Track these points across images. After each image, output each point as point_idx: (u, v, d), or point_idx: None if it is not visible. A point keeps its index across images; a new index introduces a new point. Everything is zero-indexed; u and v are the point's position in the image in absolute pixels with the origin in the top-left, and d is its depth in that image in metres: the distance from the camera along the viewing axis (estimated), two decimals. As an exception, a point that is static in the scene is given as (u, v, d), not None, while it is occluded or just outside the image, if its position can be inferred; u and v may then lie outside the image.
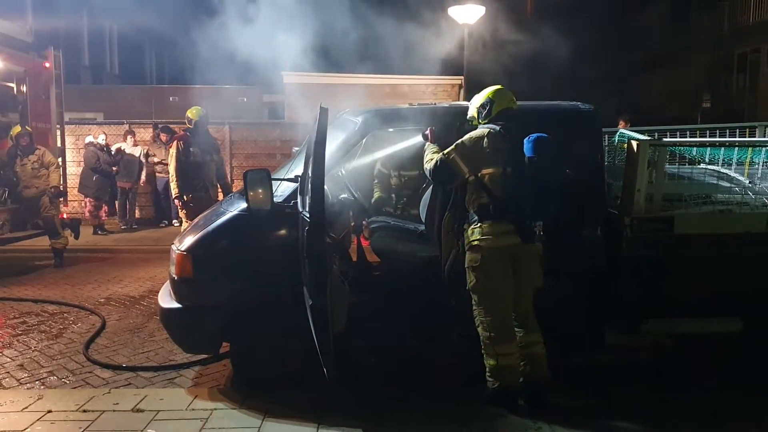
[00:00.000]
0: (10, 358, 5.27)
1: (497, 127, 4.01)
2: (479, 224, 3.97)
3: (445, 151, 4.01)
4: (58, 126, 10.11)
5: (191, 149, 7.73)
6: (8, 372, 4.95)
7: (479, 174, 3.97)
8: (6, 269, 8.78)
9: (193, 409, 4.09)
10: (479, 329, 4.00)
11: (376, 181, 5.98)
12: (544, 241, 4.03)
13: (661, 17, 23.51)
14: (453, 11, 13.37)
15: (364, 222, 5.29)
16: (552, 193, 3.92)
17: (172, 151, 7.77)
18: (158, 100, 19.02)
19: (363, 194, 5.60)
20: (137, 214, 13.17)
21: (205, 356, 5.00)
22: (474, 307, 4.03)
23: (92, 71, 23.71)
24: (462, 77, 14.53)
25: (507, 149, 3.95)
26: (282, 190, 4.47)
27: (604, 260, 4.38)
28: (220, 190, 8.11)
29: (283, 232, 4.38)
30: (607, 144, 5.49)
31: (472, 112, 4.21)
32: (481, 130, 4.04)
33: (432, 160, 4.03)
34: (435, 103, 5.15)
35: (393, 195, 5.98)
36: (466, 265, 4.03)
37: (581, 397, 4.23)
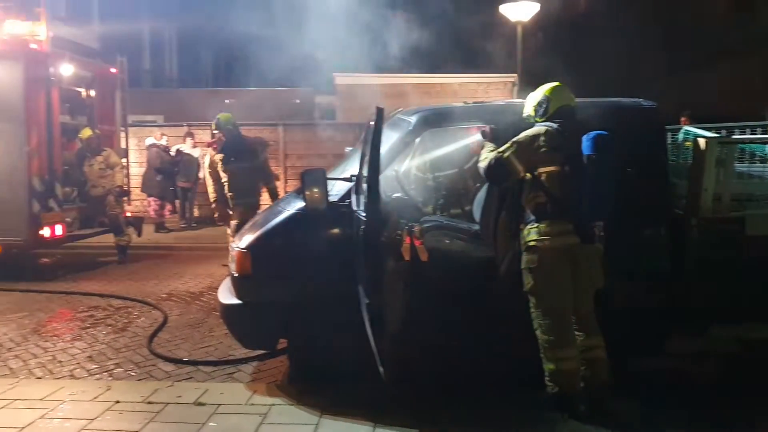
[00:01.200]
0: (80, 349, 5.52)
1: (555, 125, 3.94)
2: (536, 224, 3.89)
3: (500, 150, 3.95)
4: (122, 128, 10.50)
5: (226, 157, 7.66)
6: (79, 363, 5.19)
7: (536, 173, 3.90)
8: (74, 265, 9.18)
9: (252, 404, 4.19)
10: (537, 332, 3.92)
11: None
12: (604, 242, 3.93)
13: (724, 7, 22.71)
14: (505, 8, 13.27)
15: (416, 221, 5.31)
16: (612, 192, 3.82)
17: (207, 159, 7.94)
18: (215, 103, 19.46)
19: (416, 193, 5.62)
20: (196, 212, 13.54)
21: (262, 352, 5.12)
22: (532, 310, 3.95)
23: (153, 75, 24.44)
24: (515, 75, 14.40)
25: (565, 147, 3.87)
26: (337, 189, 4.55)
27: (669, 262, 4.28)
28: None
29: (338, 230, 4.46)
30: (670, 141, 5.36)
31: (528, 110, 4.15)
32: (538, 128, 3.97)
33: (487, 159, 3.99)
34: (490, 101, 5.14)
35: (436, 195, 5.96)
36: (522, 267, 3.96)
37: (643, 404, 4.12)
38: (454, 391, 4.33)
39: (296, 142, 14.10)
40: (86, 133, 9.38)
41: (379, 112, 3.71)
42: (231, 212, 7.65)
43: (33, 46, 8.28)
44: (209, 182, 7.86)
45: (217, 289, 7.00)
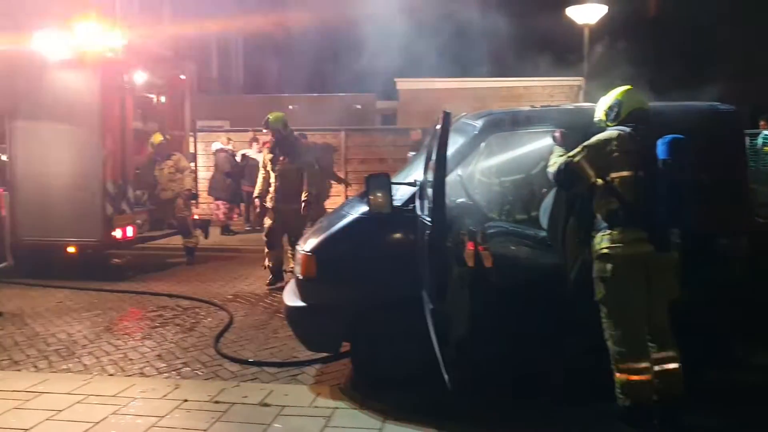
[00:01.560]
0: (149, 348, 5.68)
1: (627, 129, 3.82)
2: (608, 231, 3.76)
3: (570, 154, 3.86)
4: (191, 133, 10.80)
5: (274, 157, 7.77)
6: (148, 361, 5.35)
7: (608, 178, 3.78)
8: (144, 265, 9.49)
9: (316, 407, 4.22)
10: (609, 343, 3.80)
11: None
12: (680, 250, 3.77)
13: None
14: (572, 11, 13.02)
15: (481, 227, 5.25)
16: (688, 198, 3.67)
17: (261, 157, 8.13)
18: (278, 109, 19.77)
19: (481, 198, 5.55)
20: (260, 216, 13.80)
21: (326, 354, 5.15)
22: (603, 320, 3.82)
23: (220, 82, 25.10)
24: (582, 78, 14.11)
25: (638, 152, 3.75)
26: (401, 194, 4.55)
27: (748, 271, 4.09)
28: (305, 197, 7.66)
29: (402, 235, 4.46)
30: (748, 146, 5.14)
31: (599, 114, 4.04)
32: (610, 132, 3.86)
33: (556, 163, 3.90)
34: (558, 105, 5.04)
35: (501, 201, 5.87)
36: (594, 275, 3.83)
37: (720, 418, 3.95)
38: (519, 398, 4.25)
39: (358, 147, 14.22)
40: (157, 138, 9.70)
41: (446, 116, 3.68)
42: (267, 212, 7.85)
43: (109, 54, 8.61)
44: (258, 180, 8.05)
45: (280, 291, 7.12)
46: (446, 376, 3.70)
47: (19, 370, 5.14)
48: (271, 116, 7.87)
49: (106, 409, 4.15)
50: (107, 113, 8.59)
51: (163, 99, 10.49)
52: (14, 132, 8.70)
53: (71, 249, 8.64)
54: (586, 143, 3.86)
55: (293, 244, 7.60)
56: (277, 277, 7.98)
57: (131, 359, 5.40)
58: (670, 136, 3.71)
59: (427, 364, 4.00)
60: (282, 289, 7.08)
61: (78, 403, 4.25)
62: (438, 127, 3.77)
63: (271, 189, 7.79)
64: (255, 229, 13.23)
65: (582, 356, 4.22)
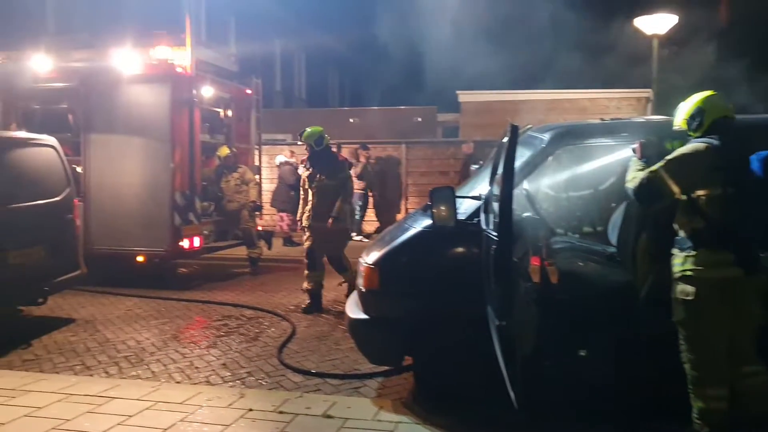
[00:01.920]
0: (214, 357, 5.80)
1: (715, 141, 3.55)
2: (692, 252, 3.52)
3: (652, 168, 3.61)
4: (256, 146, 11.03)
5: (311, 174, 7.44)
6: (214, 370, 5.45)
7: (693, 195, 3.53)
8: (209, 275, 9.71)
9: (379, 420, 4.20)
10: (686, 366, 3.61)
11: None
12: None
13: None
14: (640, 21, 12.70)
15: (546, 242, 5.15)
16: None
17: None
18: (339, 122, 20.09)
19: (547, 213, 5.45)
20: (321, 228, 13.93)
21: (388, 368, 5.13)
22: (681, 342, 3.63)
23: (283, 96, 25.60)
24: (650, 90, 13.74)
25: (729, 167, 3.49)
26: (465, 207, 4.50)
27: None
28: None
29: (466, 249, 4.41)
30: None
31: (679, 122, 3.78)
32: (696, 144, 3.61)
33: (635, 178, 3.67)
34: (629, 118, 4.91)
35: (568, 215, 5.74)
36: (674, 296, 3.63)
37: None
38: (588, 419, 4.12)
39: (418, 159, 14.21)
40: (224, 151, 9.96)
41: (514, 129, 3.62)
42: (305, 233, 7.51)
43: (179, 70, 8.89)
44: (301, 198, 7.71)
45: (342, 302, 7.15)
46: (512, 394, 3.62)
47: (91, 375, 5.32)
48: (308, 129, 7.53)
49: (174, 416, 4.24)
50: (177, 127, 8.86)
51: (229, 113, 10.77)
52: (89, 144, 9.07)
53: (140, 258, 8.93)
54: (669, 156, 3.61)
55: (333, 264, 7.57)
56: (315, 303, 7.51)
57: (197, 367, 5.52)
58: (766, 152, 3.47)
59: (490, 380, 3.94)
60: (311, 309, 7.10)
61: (147, 409, 4.36)
62: (505, 140, 3.72)
63: (308, 207, 7.49)
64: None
65: (654, 378, 4.06)
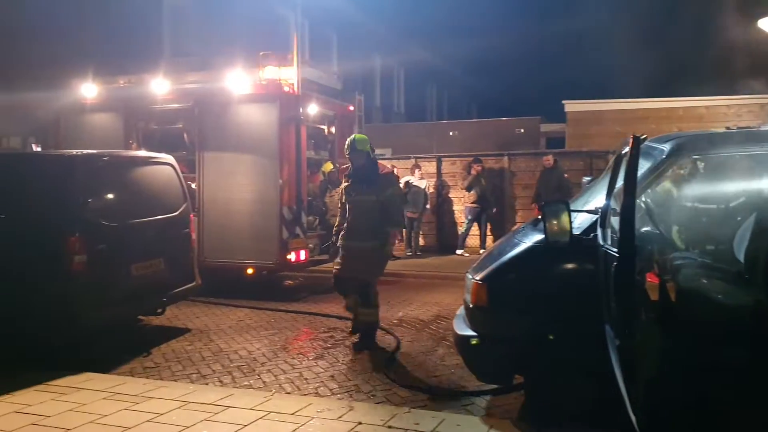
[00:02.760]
0: (323, 368, 5.88)
1: None
2: None
3: None
4: (359, 161, 11.18)
5: (349, 186, 6.57)
6: (322, 381, 5.53)
7: None
8: (314, 287, 9.91)
9: (489, 439, 4.12)
10: None
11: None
12: None
13: None
14: (765, 23, 11.90)
15: (666, 258, 4.89)
16: None
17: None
18: (439, 135, 20.11)
19: (667, 228, 5.18)
20: (421, 241, 13.95)
21: (497, 386, 5.02)
22: None
23: (383, 111, 25.96)
24: (774, 96, 12.86)
25: None
26: (580, 222, 4.35)
27: None
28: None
29: (580, 265, 4.25)
30: None
31: None
32: None
33: None
34: (757, 127, 4.59)
35: (690, 230, 5.41)
36: None
37: None
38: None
39: (522, 171, 13.95)
40: (328, 166, 10.19)
41: (636, 140, 3.46)
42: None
43: (286, 89, 9.19)
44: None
45: (445, 317, 7.09)
46: (633, 417, 3.44)
47: (206, 384, 5.53)
48: (355, 136, 6.65)
49: (287, 426, 4.32)
50: (284, 143, 9.14)
51: (333, 129, 11.00)
52: (203, 162, 9.52)
53: (250, 270, 9.26)
54: None
55: (361, 294, 6.50)
56: (359, 331, 6.62)
57: (306, 378, 5.61)
58: None
59: (605, 401, 3.76)
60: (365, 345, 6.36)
61: (261, 419, 4.47)
62: (625, 151, 3.57)
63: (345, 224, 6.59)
64: (416, 254, 13.42)
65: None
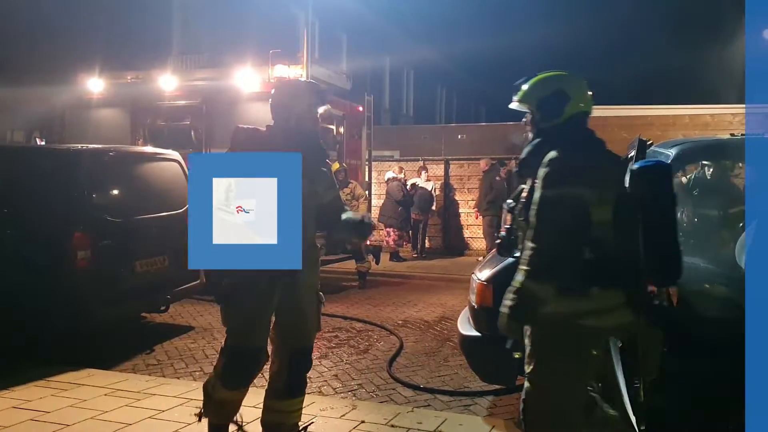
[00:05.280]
0: (326, 368, 5.90)
1: None
2: None
3: None
4: (366, 163, 11.22)
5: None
6: (326, 381, 5.55)
7: None
8: (321, 287, 9.90)
9: (491, 439, 4.12)
10: None
11: None
12: None
13: None
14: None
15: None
16: None
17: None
18: (447, 138, 20.09)
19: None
20: (428, 244, 13.97)
21: (499, 386, 5.03)
22: None
23: (391, 113, 25.98)
24: (780, 104, 12.81)
25: None
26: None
27: None
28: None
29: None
30: None
31: None
32: None
33: None
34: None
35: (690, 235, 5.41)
36: None
37: None
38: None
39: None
40: (335, 166, 10.18)
41: (641, 143, 3.48)
42: None
43: (294, 88, 9.19)
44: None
45: (449, 319, 7.10)
46: (633, 417, 3.44)
47: (211, 380, 5.54)
48: None
49: (289, 423, 4.32)
50: (292, 143, 9.13)
51: (342, 129, 11.02)
52: (211, 160, 9.53)
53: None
54: None
55: None
56: None
57: (310, 377, 5.56)
58: None
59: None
60: None
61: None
62: (631, 155, 3.57)
63: None
64: (422, 256, 13.44)
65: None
